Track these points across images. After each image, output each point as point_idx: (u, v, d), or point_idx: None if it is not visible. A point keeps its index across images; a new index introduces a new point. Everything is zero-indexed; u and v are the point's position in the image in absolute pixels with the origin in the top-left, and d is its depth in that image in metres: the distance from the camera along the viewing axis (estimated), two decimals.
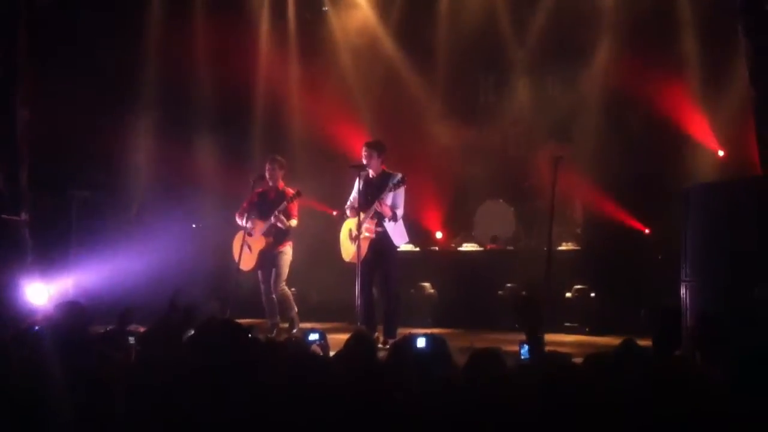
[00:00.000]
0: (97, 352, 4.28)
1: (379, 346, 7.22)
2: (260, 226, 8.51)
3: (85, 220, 10.09)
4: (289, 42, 11.54)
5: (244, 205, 8.63)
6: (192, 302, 6.66)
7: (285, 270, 8.61)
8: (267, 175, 8.59)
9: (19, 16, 9.45)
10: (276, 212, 8.36)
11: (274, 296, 8.58)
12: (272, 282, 8.57)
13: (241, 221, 8.59)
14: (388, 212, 7.73)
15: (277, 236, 8.55)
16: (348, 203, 8.12)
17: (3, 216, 8.83)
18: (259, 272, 8.67)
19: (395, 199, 7.78)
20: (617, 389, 3.22)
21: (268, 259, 8.58)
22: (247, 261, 8.53)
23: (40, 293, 8.55)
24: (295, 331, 8.48)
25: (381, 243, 7.87)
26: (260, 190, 8.65)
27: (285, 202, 8.40)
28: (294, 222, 8.55)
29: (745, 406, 3.05)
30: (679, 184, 6.75)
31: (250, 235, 8.51)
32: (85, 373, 3.48)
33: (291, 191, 8.54)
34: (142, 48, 10.84)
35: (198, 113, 11.21)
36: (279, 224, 8.42)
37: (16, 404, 3.27)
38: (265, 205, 8.54)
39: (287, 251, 8.62)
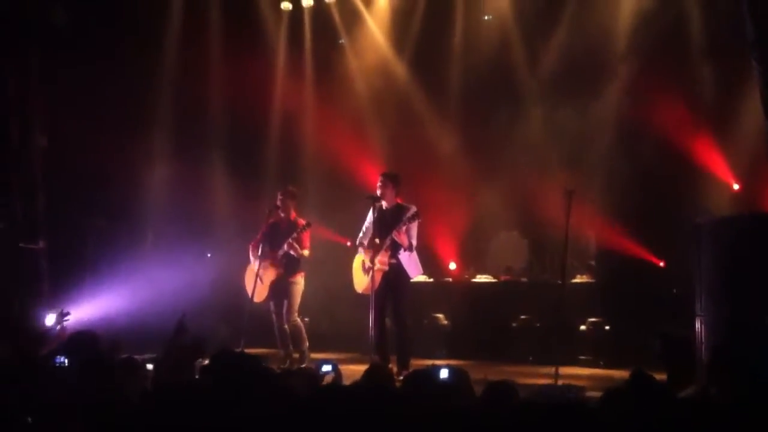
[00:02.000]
0: (113, 380, 4.30)
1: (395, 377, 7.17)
2: (272, 257, 8.54)
3: (101, 249, 10.15)
4: (305, 73, 11.65)
5: (258, 236, 8.68)
6: (200, 330, 6.68)
7: (296, 300, 8.62)
8: (279, 205, 8.64)
9: (35, 41, 9.58)
10: (289, 239, 8.39)
11: (286, 326, 8.59)
12: (284, 312, 8.58)
13: (254, 253, 8.62)
14: (405, 241, 7.72)
15: (289, 267, 8.57)
16: (360, 235, 8.14)
17: (20, 244, 8.90)
18: (271, 303, 8.67)
19: (409, 231, 7.79)
20: (632, 422, 3.21)
21: (279, 289, 8.60)
22: (259, 292, 8.55)
23: (57, 321, 8.59)
24: (304, 365, 8.44)
25: (394, 275, 7.87)
26: (272, 221, 8.67)
27: (295, 233, 8.43)
28: (306, 252, 8.57)
29: None
30: (694, 218, 6.74)
31: (263, 266, 8.53)
32: (102, 401, 3.50)
33: (303, 222, 8.58)
34: (158, 76, 10.95)
35: (214, 142, 11.30)
36: (292, 252, 8.43)
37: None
38: (278, 235, 8.57)
39: (299, 281, 8.64)
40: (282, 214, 8.64)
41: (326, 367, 5.45)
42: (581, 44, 9.93)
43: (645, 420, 3.24)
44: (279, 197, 8.67)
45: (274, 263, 8.53)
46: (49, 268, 9.46)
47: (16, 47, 9.49)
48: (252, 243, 8.69)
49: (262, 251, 8.49)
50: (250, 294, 8.45)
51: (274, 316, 8.66)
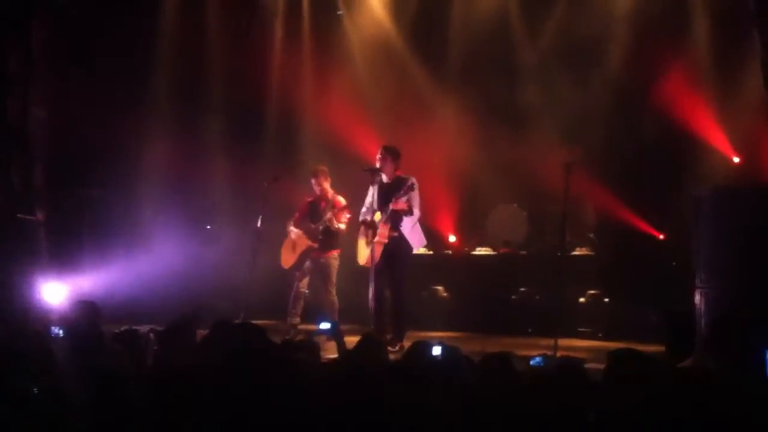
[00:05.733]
0: (112, 351, 4.31)
1: (389, 348, 7.20)
2: (310, 229, 8.59)
3: (100, 221, 10.14)
4: (304, 44, 11.57)
5: (296, 215, 8.75)
6: (202, 303, 6.67)
7: (334, 277, 8.66)
8: (314, 187, 8.67)
9: (35, 15, 9.51)
10: (330, 214, 8.40)
11: (305, 291, 8.65)
12: (323, 289, 8.62)
13: (293, 229, 8.69)
14: (404, 206, 7.70)
15: (326, 242, 8.59)
16: (363, 210, 8.11)
17: (18, 215, 8.88)
18: (297, 272, 8.68)
19: (411, 201, 7.78)
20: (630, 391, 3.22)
21: (314, 264, 8.63)
22: (287, 258, 8.69)
23: (55, 292, 8.59)
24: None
25: (395, 248, 7.87)
26: (310, 199, 8.75)
27: (330, 212, 8.43)
28: (342, 226, 8.54)
29: (760, 410, 3.05)
30: (694, 190, 6.73)
31: (300, 235, 8.62)
32: (101, 372, 3.51)
33: (340, 202, 8.55)
34: (155, 49, 10.90)
35: (212, 115, 11.24)
36: (330, 225, 8.43)
37: (35, 404, 3.30)
38: (317, 213, 8.63)
39: (336, 257, 8.67)
40: (318, 193, 8.68)
41: (324, 325, 5.34)
42: (582, 14, 9.85)
43: (643, 389, 3.26)
44: (312, 180, 8.69)
45: (312, 235, 8.56)
46: (47, 239, 9.44)
47: (18, 22, 9.42)
48: (291, 220, 8.75)
49: (301, 224, 8.63)
50: (282, 262, 8.63)
51: (296, 283, 8.66)
